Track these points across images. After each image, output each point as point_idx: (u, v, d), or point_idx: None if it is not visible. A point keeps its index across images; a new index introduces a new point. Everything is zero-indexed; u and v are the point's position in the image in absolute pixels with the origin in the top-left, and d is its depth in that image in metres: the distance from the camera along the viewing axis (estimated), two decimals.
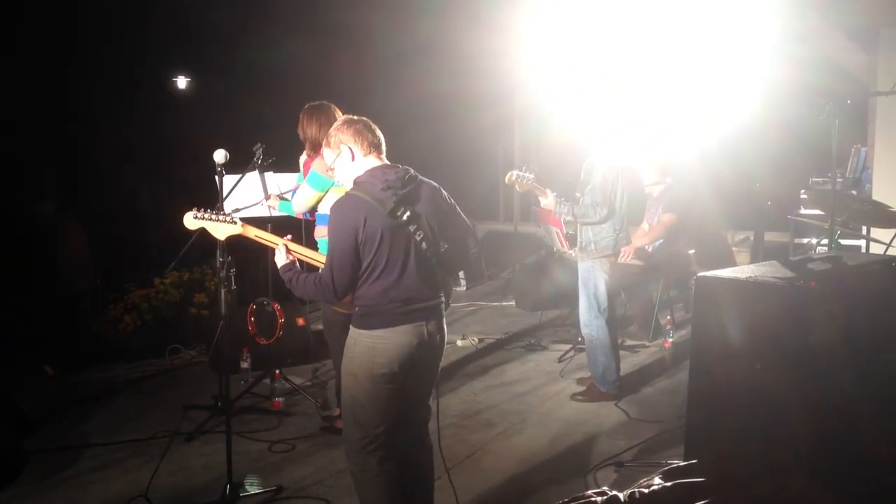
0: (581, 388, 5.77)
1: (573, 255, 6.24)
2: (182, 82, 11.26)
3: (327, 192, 4.64)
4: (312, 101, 4.92)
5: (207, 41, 10.23)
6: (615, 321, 5.70)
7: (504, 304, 8.88)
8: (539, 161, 9.81)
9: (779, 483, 2.28)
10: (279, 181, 5.38)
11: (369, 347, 3.28)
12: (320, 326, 7.78)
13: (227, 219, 3.68)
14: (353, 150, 3.38)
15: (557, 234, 6.78)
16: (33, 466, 4.70)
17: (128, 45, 9.75)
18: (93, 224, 8.01)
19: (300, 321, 6.64)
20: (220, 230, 3.69)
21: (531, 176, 5.55)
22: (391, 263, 3.24)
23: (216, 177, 4.28)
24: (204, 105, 10.84)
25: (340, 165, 3.43)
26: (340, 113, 4.71)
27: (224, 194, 4.28)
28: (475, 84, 8.89)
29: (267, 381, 5.85)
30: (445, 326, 3.48)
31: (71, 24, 9.34)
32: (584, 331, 5.61)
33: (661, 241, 6.88)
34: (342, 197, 3.33)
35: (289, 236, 3.59)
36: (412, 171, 3.39)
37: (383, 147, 3.44)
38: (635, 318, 7.36)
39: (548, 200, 5.54)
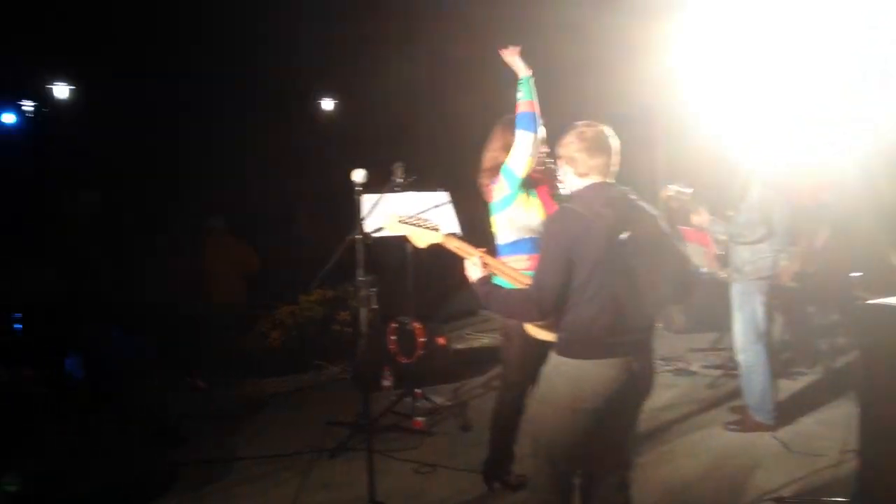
0: (735, 417, 5.51)
1: (723, 276, 5.96)
2: (328, 104, 11.57)
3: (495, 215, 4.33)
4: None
5: (349, 62, 10.47)
6: (772, 347, 5.41)
7: None
8: (686, 178, 9.51)
9: None
10: (419, 200, 5.38)
11: (574, 378, 3.04)
12: (460, 346, 7.86)
13: (431, 225, 3.54)
14: (576, 165, 3.16)
15: (706, 254, 6.50)
16: (181, 478, 4.87)
17: (273, 68, 10.09)
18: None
19: (441, 340, 6.64)
20: (423, 237, 3.53)
21: (689, 191, 5.32)
22: (604, 287, 2.99)
23: (355, 196, 4.31)
24: (345, 124, 11.11)
25: (565, 178, 3.25)
26: (506, 133, 4.28)
27: (363, 213, 4.31)
28: (621, 100, 8.70)
29: (408, 399, 5.87)
30: (654, 364, 3.22)
31: (217, 50, 9.75)
32: (739, 357, 5.34)
33: (823, 262, 6.47)
34: (559, 209, 3.16)
35: (483, 249, 3.38)
36: (633, 192, 3.18)
37: (612, 163, 3.19)
38: (793, 344, 6.97)
39: (701, 218, 5.31)
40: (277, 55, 10.00)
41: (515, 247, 4.12)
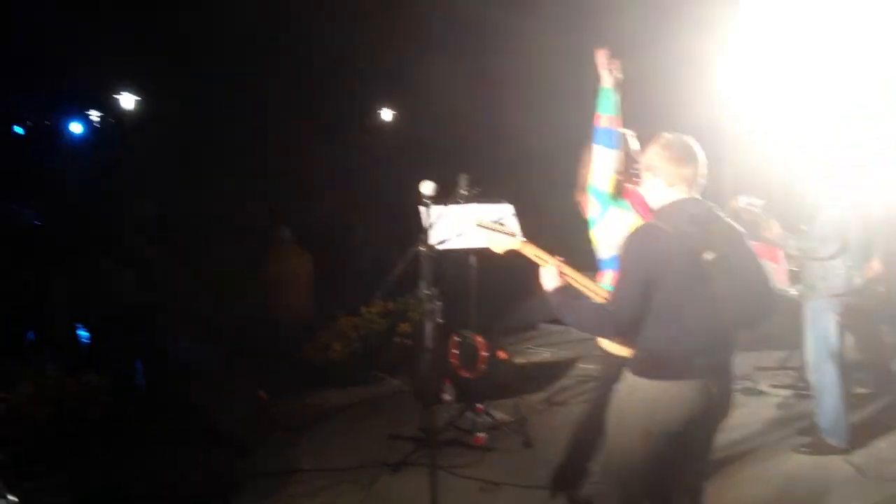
0: (805, 440, 5.33)
1: (793, 293, 5.78)
2: (387, 114, 11.62)
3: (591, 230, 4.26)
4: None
5: (407, 74, 10.51)
6: (845, 367, 5.22)
7: None
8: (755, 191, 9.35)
9: None
10: (483, 212, 5.33)
11: (651, 399, 2.96)
12: (521, 360, 7.77)
13: (509, 231, 3.50)
14: (662, 175, 3.08)
15: (776, 270, 6.34)
16: (242, 489, 4.89)
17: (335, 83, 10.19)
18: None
19: (502, 354, 6.57)
20: (500, 242, 3.49)
21: (760, 203, 5.17)
22: (685, 307, 2.92)
23: (423, 208, 4.29)
24: (410, 136, 11.14)
25: (650, 191, 3.17)
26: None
27: (429, 225, 4.29)
28: (685, 114, 8.61)
29: (468, 414, 5.81)
30: (733, 387, 3.11)
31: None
32: (811, 377, 5.20)
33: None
34: (642, 225, 3.09)
35: (560, 258, 3.30)
36: (717, 209, 3.08)
37: (699, 178, 3.10)
38: (865, 364, 6.73)
39: (773, 232, 5.16)
40: (336, 67, 10.10)
41: (611, 262, 3.98)
